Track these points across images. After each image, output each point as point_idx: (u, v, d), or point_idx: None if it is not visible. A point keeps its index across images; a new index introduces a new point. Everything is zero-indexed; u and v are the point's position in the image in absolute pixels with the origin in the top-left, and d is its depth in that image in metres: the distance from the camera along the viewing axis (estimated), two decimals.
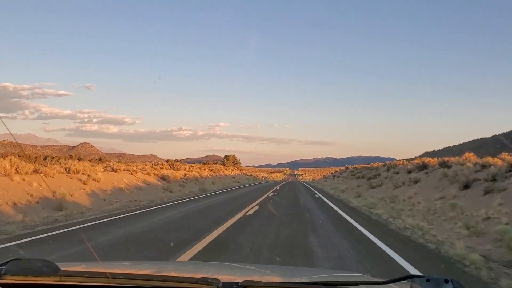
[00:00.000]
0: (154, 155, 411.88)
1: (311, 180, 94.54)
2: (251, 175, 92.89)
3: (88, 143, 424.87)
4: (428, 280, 1.39)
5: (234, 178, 55.92)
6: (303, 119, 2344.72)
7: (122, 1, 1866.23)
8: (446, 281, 1.36)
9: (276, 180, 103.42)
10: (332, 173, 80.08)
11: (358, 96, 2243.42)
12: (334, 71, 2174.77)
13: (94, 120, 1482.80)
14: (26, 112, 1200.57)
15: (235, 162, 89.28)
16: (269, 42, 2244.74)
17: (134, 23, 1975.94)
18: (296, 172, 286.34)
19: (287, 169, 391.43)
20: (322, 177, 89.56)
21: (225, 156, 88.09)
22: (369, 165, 49.40)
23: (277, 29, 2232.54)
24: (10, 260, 1.51)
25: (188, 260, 6.14)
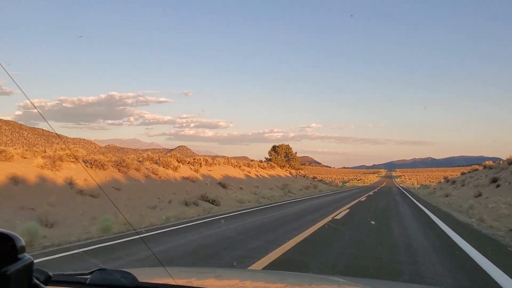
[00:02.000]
0: (246, 156, 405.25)
1: (432, 190, 40.47)
2: (314, 178, 55.70)
3: (184, 146, 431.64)
4: None
5: (258, 187, 20.69)
6: (398, 118, 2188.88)
7: (206, 12, 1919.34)
8: None
9: (357, 186, 64.73)
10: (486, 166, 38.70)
11: (459, 91, 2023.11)
12: (430, 65, 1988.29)
13: (192, 125, 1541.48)
14: (131, 118, 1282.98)
15: (290, 156, 53.23)
16: (358, 40, 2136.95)
17: (225, 29, 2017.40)
18: (393, 173, 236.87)
19: (382, 170, 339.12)
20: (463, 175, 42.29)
21: (273, 148, 52.38)
22: None
23: (365, 26, 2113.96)
24: (95, 270, 1.54)
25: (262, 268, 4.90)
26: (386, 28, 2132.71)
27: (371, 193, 33.87)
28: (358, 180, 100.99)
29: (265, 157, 53.25)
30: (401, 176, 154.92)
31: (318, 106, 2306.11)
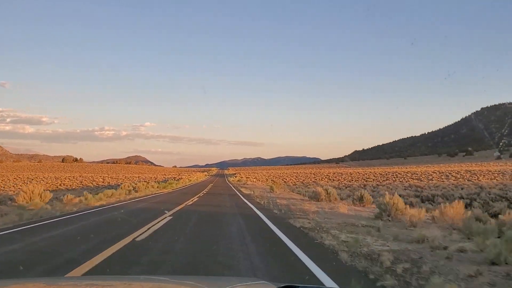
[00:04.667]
0: (71, 156, 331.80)
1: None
2: None
3: None
4: None
5: None
6: (232, 119, 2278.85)
7: None
8: None
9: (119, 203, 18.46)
10: None
11: (284, 97, 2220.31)
12: (260, 69, 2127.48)
13: (8, 120, 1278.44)
14: None
15: None
16: (199, 37, 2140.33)
17: (54, 11, 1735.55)
18: (226, 171, 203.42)
19: (214, 168, 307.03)
20: None
21: None
22: None
23: (208, 24, 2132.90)
24: None
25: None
26: (223, 30, 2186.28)
27: None
28: (170, 181, 56.18)
29: None
30: (235, 174, 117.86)
31: (153, 104, 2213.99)
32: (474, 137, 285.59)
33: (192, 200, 19.38)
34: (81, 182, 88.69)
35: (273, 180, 51.40)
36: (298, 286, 1.74)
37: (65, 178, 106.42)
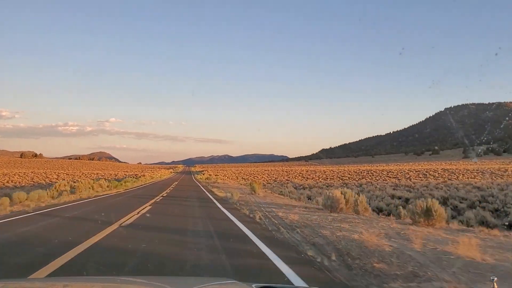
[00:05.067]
0: (31, 151, 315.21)
1: None
2: None
3: None
4: None
5: None
6: (199, 116, 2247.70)
7: None
8: None
9: None
10: None
11: (254, 95, 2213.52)
12: (229, 69, 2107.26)
13: None
14: None
15: None
16: (169, 32, 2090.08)
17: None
18: (192, 169, 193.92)
19: (180, 166, 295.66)
20: None
21: None
22: None
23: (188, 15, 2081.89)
24: None
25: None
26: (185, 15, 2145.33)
27: None
28: (126, 179, 47.73)
29: None
30: (203, 171, 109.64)
31: (118, 100, 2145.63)
32: (438, 136, 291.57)
33: (138, 212, 11.76)
34: (32, 179, 79.46)
35: (248, 178, 44.25)
36: (273, 286, 1.66)
37: (14, 174, 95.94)
